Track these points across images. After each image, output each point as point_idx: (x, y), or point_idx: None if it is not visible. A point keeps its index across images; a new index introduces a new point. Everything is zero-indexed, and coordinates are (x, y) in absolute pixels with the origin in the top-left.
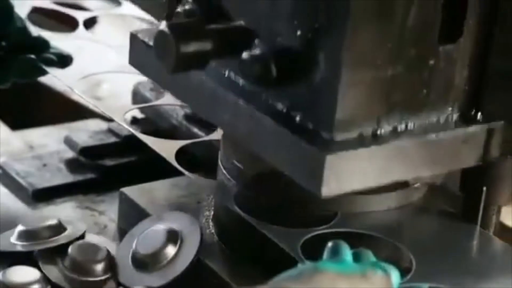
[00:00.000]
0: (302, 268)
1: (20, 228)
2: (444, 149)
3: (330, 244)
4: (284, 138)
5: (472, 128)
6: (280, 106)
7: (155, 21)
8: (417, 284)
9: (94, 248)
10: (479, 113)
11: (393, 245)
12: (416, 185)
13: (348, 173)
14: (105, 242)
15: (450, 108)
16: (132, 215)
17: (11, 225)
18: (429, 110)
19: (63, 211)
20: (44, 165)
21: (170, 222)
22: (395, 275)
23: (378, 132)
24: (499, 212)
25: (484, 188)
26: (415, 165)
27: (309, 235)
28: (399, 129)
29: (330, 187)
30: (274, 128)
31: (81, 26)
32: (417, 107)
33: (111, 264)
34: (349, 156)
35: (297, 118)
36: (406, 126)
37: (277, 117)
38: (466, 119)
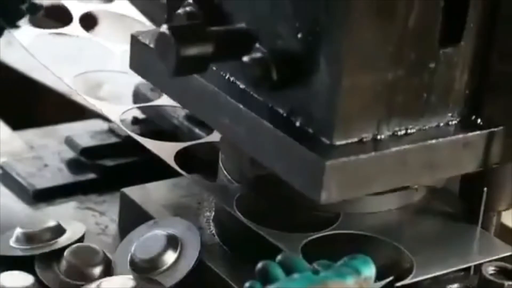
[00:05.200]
0: None
1: (19, 230)
2: (444, 155)
3: (259, 266)
4: (283, 143)
5: (472, 134)
6: (280, 110)
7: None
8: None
9: (91, 251)
10: (479, 119)
11: (393, 245)
12: (416, 187)
13: (348, 180)
14: (105, 244)
15: (450, 114)
16: (133, 216)
17: (12, 225)
18: (429, 115)
19: (64, 212)
20: (45, 165)
21: (168, 228)
22: (368, 271)
23: (378, 137)
24: (499, 214)
25: (485, 189)
26: (416, 170)
27: (310, 238)
28: (399, 134)
29: (330, 193)
30: (273, 133)
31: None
32: (417, 112)
33: (108, 268)
34: (349, 163)
35: (297, 123)
36: (406, 131)
37: (277, 121)
38: (466, 125)
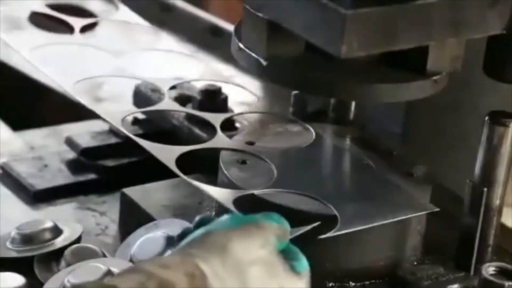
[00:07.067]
0: (194, 236)
1: (15, 232)
2: (470, 13)
3: (197, 218)
4: None
5: None
6: None
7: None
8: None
9: (90, 252)
10: None
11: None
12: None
13: (370, 33)
14: (105, 244)
15: None
16: (133, 216)
17: (12, 226)
18: None
19: (64, 212)
20: (45, 165)
21: (166, 229)
22: (286, 223)
23: None
24: (500, 213)
25: (485, 189)
26: (440, 27)
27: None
28: None
29: (351, 47)
30: None
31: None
32: None
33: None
34: (371, 14)
35: None
36: None
37: None
38: None
